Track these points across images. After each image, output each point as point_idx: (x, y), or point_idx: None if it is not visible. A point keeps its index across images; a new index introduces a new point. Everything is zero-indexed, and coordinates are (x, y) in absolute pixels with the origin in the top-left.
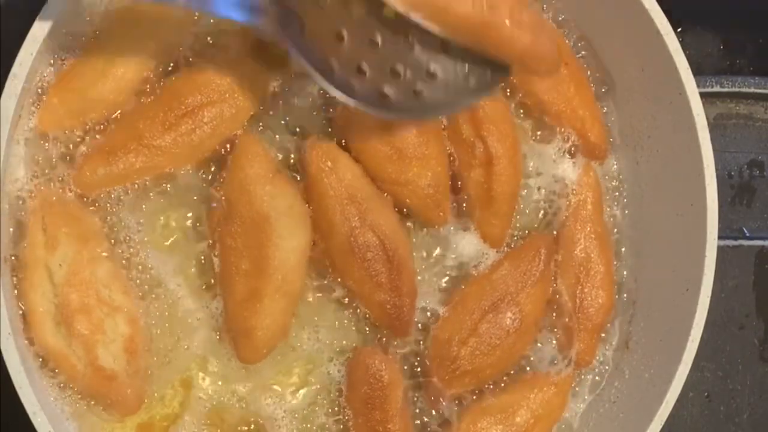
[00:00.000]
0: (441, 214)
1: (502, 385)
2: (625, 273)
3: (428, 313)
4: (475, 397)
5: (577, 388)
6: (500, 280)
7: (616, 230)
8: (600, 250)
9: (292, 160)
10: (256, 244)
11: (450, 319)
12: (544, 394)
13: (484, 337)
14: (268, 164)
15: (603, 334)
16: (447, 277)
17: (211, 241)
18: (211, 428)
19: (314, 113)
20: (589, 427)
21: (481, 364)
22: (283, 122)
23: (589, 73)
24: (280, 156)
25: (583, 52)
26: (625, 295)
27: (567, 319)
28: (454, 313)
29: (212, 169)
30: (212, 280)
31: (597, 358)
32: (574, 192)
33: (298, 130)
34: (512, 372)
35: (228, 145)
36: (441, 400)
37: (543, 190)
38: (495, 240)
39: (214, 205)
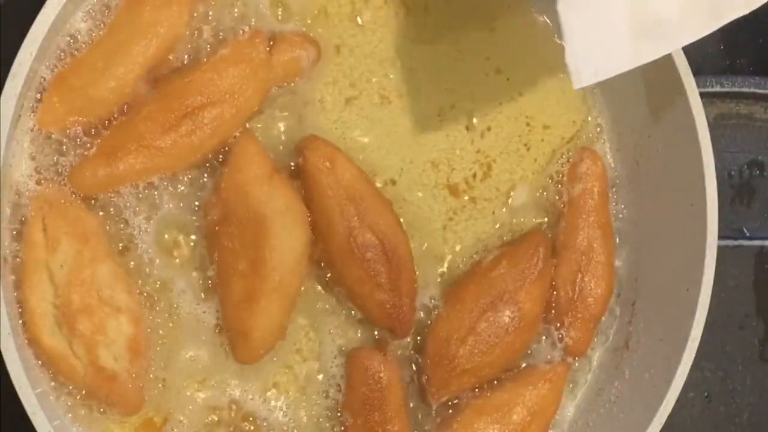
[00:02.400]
0: None
1: (495, 382)
2: (625, 273)
3: (430, 304)
4: (471, 396)
5: (576, 388)
6: (499, 278)
7: (615, 230)
8: (603, 241)
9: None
10: (252, 245)
11: (448, 318)
12: (539, 391)
13: (483, 336)
14: (265, 165)
15: (599, 333)
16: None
17: (209, 242)
18: (208, 429)
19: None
20: (589, 427)
21: (479, 362)
22: (285, 122)
23: None
24: (281, 156)
25: None
26: (625, 295)
27: (563, 307)
28: (452, 311)
29: (212, 169)
30: (210, 281)
31: (597, 358)
32: (581, 180)
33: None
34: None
35: (228, 146)
36: (439, 400)
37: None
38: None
39: (212, 205)
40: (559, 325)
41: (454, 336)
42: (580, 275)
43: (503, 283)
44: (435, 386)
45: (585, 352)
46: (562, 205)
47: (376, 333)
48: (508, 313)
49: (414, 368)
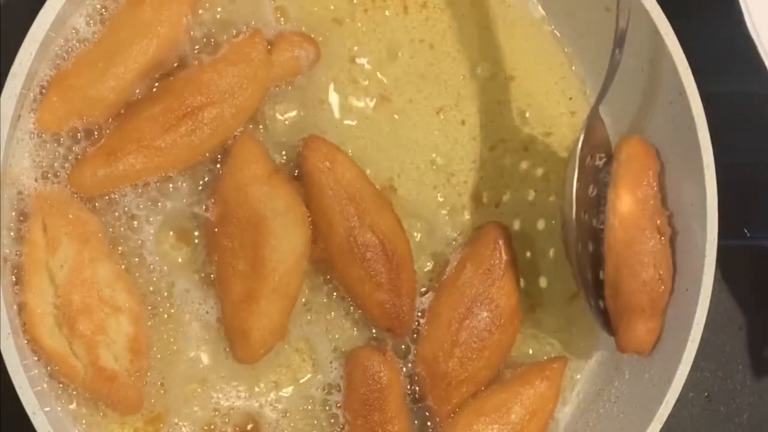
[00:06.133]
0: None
1: (498, 377)
2: None
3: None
4: (470, 397)
5: (576, 387)
6: (467, 284)
7: None
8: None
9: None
10: (252, 245)
11: (430, 337)
12: (536, 389)
13: (468, 344)
14: (265, 165)
15: (599, 332)
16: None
17: (208, 242)
18: (208, 428)
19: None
20: (589, 427)
21: (473, 369)
22: (285, 122)
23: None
24: (281, 156)
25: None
26: None
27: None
28: (432, 328)
29: (212, 169)
30: (211, 281)
31: (597, 358)
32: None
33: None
34: (504, 368)
35: (228, 146)
36: (446, 416)
37: None
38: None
39: (212, 205)
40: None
41: (439, 353)
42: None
43: (472, 288)
44: (438, 404)
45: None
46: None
47: (374, 332)
48: (485, 314)
49: (414, 368)
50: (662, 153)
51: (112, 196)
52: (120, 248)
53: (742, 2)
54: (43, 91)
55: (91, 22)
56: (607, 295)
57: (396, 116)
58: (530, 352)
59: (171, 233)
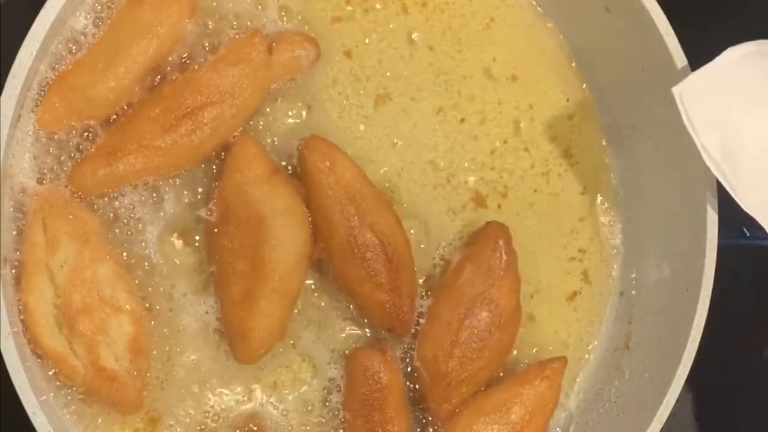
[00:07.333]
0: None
1: (496, 377)
2: (625, 272)
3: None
4: (469, 397)
5: (576, 388)
6: (467, 284)
7: (616, 231)
8: None
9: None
10: (252, 245)
11: (429, 336)
12: (536, 389)
13: (468, 344)
14: (265, 164)
15: (600, 333)
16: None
17: (209, 242)
18: (208, 428)
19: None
20: (589, 427)
21: (473, 369)
22: (285, 122)
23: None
24: (281, 156)
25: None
26: (625, 295)
27: None
28: (432, 328)
29: (213, 169)
30: (211, 281)
31: (597, 358)
32: None
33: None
34: (504, 368)
35: (228, 146)
36: (445, 416)
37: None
38: None
39: (212, 205)
40: None
41: (439, 353)
42: None
43: (472, 288)
44: (438, 404)
45: None
46: None
47: (367, 331)
48: (485, 314)
49: (414, 369)
50: (662, 153)
51: (113, 196)
52: (120, 248)
53: (678, 98)
54: (43, 91)
55: (92, 21)
56: None
57: (396, 116)
58: (531, 352)
59: (171, 234)
